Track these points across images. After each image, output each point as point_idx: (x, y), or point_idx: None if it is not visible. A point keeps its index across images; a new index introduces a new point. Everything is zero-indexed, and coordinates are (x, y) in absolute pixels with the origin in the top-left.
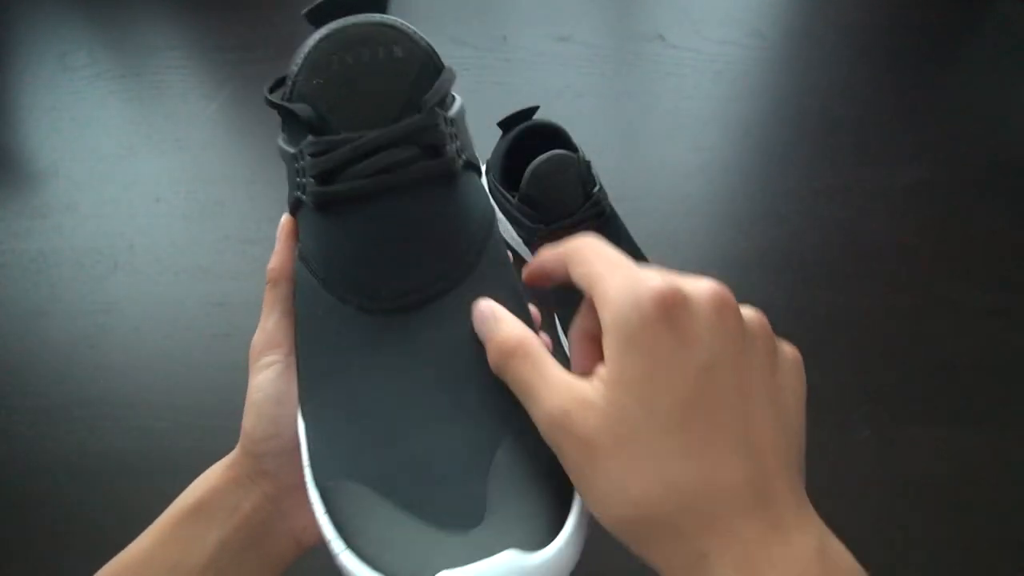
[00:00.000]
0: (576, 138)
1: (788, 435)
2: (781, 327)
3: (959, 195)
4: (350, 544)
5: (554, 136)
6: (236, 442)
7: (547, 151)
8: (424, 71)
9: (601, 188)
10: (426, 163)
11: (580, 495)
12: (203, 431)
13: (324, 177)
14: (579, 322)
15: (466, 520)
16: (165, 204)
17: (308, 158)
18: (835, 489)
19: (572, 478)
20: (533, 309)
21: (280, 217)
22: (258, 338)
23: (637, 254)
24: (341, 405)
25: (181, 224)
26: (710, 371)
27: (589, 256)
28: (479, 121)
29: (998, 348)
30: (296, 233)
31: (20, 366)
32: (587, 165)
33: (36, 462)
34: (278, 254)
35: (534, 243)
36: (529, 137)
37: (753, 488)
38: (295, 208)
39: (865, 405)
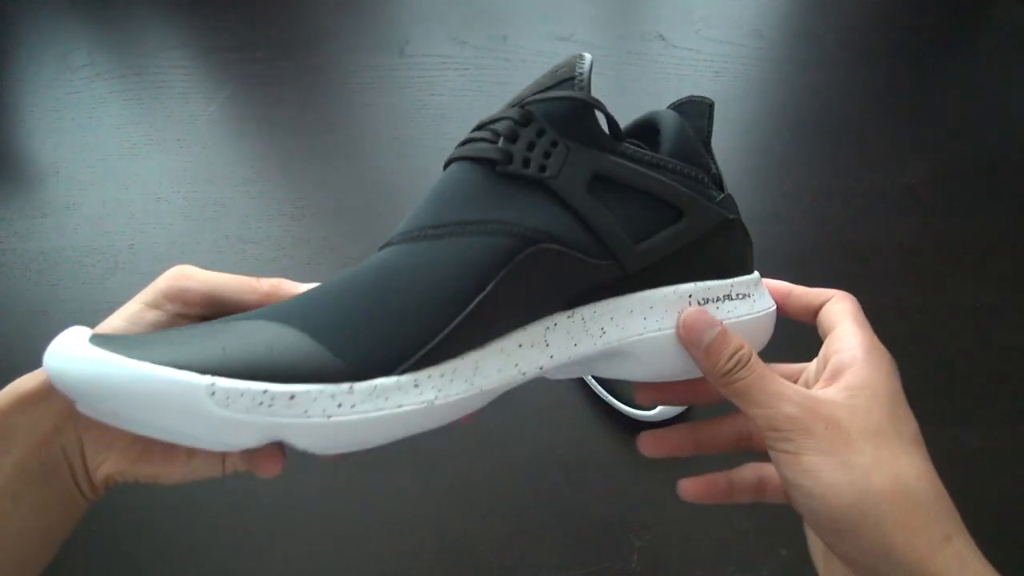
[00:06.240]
0: None
1: None
2: (781, 327)
3: (959, 195)
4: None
5: None
6: None
7: None
8: None
9: None
10: None
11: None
12: None
13: None
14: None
15: None
16: (165, 204)
17: None
18: None
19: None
20: None
21: (278, 217)
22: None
23: None
24: None
25: (181, 224)
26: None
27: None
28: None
29: (998, 348)
30: None
31: (20, 366)
32: None
33: None
34: None
35: None
36: None
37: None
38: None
39: None
